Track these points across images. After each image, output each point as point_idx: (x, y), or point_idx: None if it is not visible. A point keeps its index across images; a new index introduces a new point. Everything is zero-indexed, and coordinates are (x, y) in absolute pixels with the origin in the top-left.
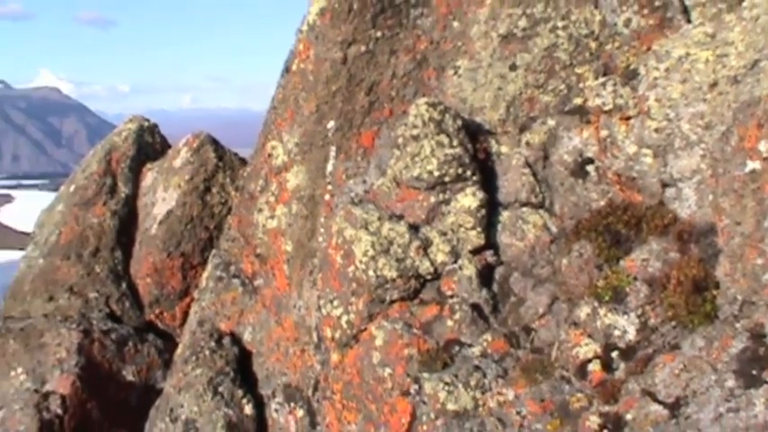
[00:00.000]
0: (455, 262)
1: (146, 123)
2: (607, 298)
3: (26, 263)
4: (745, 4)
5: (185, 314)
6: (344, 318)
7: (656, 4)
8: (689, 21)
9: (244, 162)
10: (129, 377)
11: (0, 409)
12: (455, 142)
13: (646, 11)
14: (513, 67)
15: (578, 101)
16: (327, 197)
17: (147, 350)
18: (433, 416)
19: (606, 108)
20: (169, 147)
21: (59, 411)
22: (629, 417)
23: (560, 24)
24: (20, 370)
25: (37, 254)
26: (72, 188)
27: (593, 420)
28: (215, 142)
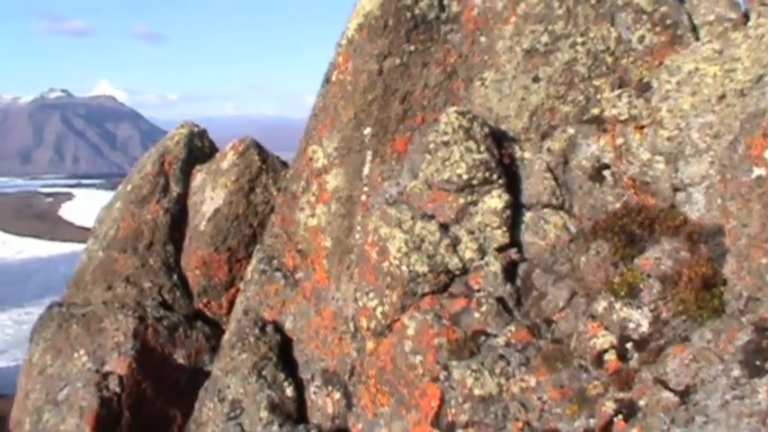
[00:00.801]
0: (482, 259)
1: (195, 129)
2: (622, 293)
3: (87, 255)
4: (750, 23)
5: (230, 303)
6: (379, 309)
7: (668, 22)
8: (697, 38)
9: (285, 164)
10: (180, 360)
11: (65, 386)
12: (482, 148)
13: (658, 28)
14: (535, 80)
15: (596, 111)
16: (364, 198)
17: (195, 336)
18: (460, 400)
19: (622, 118)
20: (216, 150)
21: (117, 390)
22: (641, 403)
23: (579, 40)
24: (82, 352)
25: (97, 247)
26: (129, 187)
27: (609, 406)
28: (259, 146)
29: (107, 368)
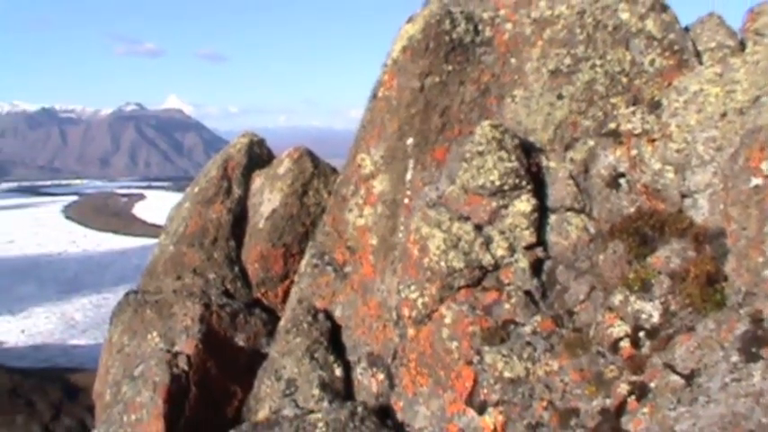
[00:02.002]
0: (512, 256)
1: (255, 138)
2: (636, 288)
3: (159, 249)
4: (747, 50)
5: (285, 293)
6: (420, 300)
7: (675, 48)
8: (701, 62)
9: (334, 170)
10: (240, 343)
11: (140, 363)
12: (513, 157)
13: (667, 53)
14: (559, 97)
15: (613, 125)
16: (406, 201)
17: (254, 321)
18: (492, 381)
19: (636, 132)
20: (273, 157)
21: (186, 368)
22: (652, 385)
23: (598, 63)
24: (155, 333)
25: (168, 242)
26: (196, 189)
27: (623, 387)
28: (311, 154)
29: (177, 348)
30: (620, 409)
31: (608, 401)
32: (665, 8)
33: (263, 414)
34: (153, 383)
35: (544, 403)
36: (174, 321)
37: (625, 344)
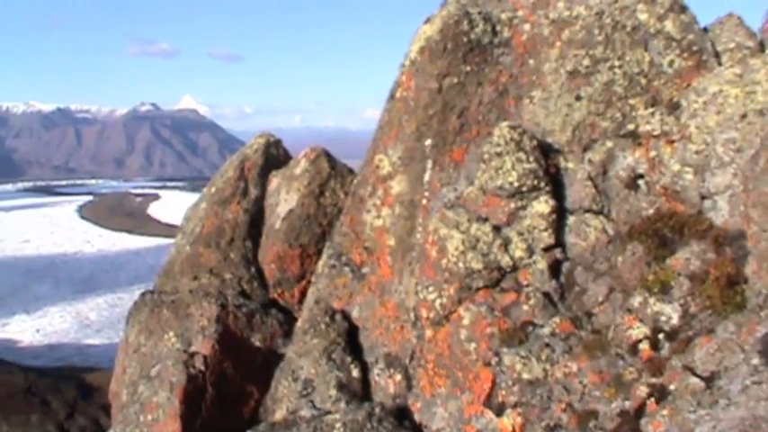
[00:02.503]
0: (530, 257)
1: (271, 139)
2: (656, 289)
3: (176, 249)
4: (767, 51)
5: (302, 294)
6: (438, 301)
7: (694, 48)
8: (720, 63)
9: (351, 171)
10: (257, 343)
11: (157, 363)
12: (531, 159)
13: (685, 54)
14: (578, 98)
15: (631, 127)
16: (424, 202)
17: (270, 322)
18: (510, 383)
19: (655, 133)
20: (289, 158)
21: (202, 368)
22: (672, 387)
23: (617, 64)
24: (171, 334)
25: (184, 242)
26: (213, 190)
27: (643, 390)
28: (328, 155)
29: (193, 349)
30: (640, 411)
31: (627, 403)
32: (683, 9)
33: (280, 414)
34: (170, 383)
35: (563, 405)
36: (191, 321)
37: (644, 346)
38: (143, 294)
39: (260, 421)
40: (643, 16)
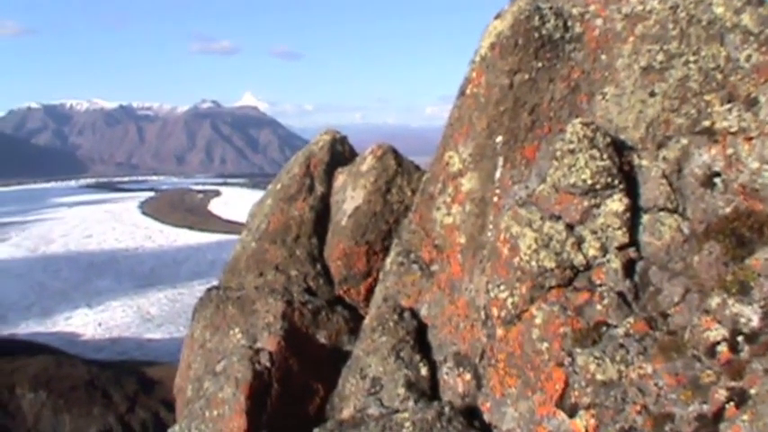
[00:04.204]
0: (604, 256)
1: (337, 135)
2: (734, 290)
3: (241, 245)
4: None
5: (367, 291)
6: (509, 300)
7: None
8: None
9: (417, 168)
10: (322, 340)
11: (222, 359)
12: (605, 156)
13: (763, 48)
14: (651, 94)
15: (707, 123)
16: (495, 199)
17: (336, 319)
18: (583, 384)
19: (732, 130)
20: (355, 155)
21: (268, 364)
22: (752, 391)
23: (692, 59)
24: (237, 330)
25: (250, 238)
26: (278, 186)
27: (721, 393)
28: (395, 152)
29: (259, 345)
30: (718, 415)
31: (705, 407)
32: (761, 2)
33: (347, 412)
34: (235, 379)
35: (637, 407)
36: (256, 318)
37: (722, 348)
38: (208, 290)
39: (326, 419)
40: (719, 10)
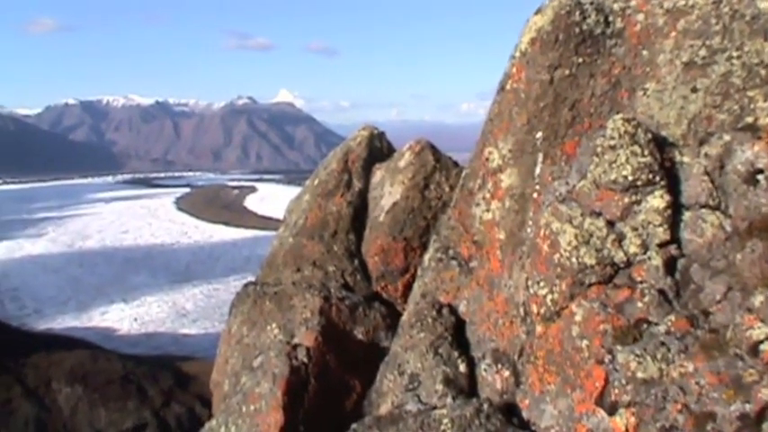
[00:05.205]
0: (644, 253)
1: (375, 131)
2: None
3: (278, 240)
4: None
5: (405, 287)
6: (549, 297)
7: None
8: None
9: (456, 164)
10: (359, 336)
11: (259, 354)
12: (646, 152)
13: None
14: (693, 90)
15: (750, 119)
16: (535, 195)
17: (373, 315)
18: (624, 382)
19: None
20: (393, 151)
21: (305, 360)
22: None
23: (735, 54)
24: (274, 325)
25: (287, 234)
26: (316, 182)
27: (765, 393)
28: (433, 147)
29: (296, 340)
30: (762, 415)
31: (747, 407)
32: None
33: (385, 408)
34: (272, 375)
35: (679, 406)
36: (294, 313)
37: (765, 347)
38: (246, 285)
39: (363, 414)
40: (763, 5)
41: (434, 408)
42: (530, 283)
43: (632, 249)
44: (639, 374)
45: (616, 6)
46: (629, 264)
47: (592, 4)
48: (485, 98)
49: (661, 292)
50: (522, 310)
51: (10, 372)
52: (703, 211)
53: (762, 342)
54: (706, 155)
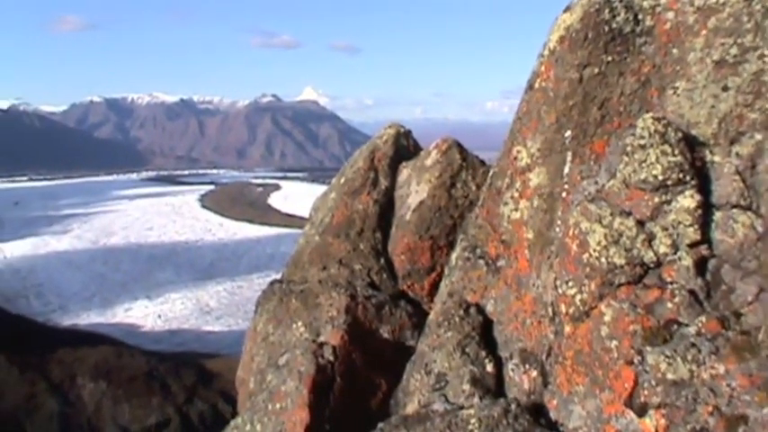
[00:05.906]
0: (675, 253)
1: (401, 130)
2: None
3: (304, 239)
4: None
5: (431, 286)
6: (578, 297)
7: None
8: None
9: (483, 163)
10: (385, 335)
11: (285, 352)
12: (676, 151)
13: None
14: (724, 89)
15: None
16: (564, 195)
17: (399, 314)
18: (653, 383)
19: None
20: (419, 149)
21: (331, 358)
22: None
23: (767, 53)
24: (300, 323)
25: (313, 232)
26: (342, 180)
27: None
28: (460, 146)
29: (322, 339)
30: None
31: None
32: None
33: (411, 408)
34: (298, 373)
35: (709, 408)
36: (320, 311)
37: None
38: (271, 283)
39: (388, 413)
40: None
41: (461, 407)
42: (558, 282)
43: (662, 249)
44: (669, 376)
45: (646, 4)
46: (659, 264)
47: (621, 1)
48: (509, 96)
49: (691, 292)
50: (550, 309)
51: (34, 367)
52: (734, 211)
53: None
54: (737, 154)
